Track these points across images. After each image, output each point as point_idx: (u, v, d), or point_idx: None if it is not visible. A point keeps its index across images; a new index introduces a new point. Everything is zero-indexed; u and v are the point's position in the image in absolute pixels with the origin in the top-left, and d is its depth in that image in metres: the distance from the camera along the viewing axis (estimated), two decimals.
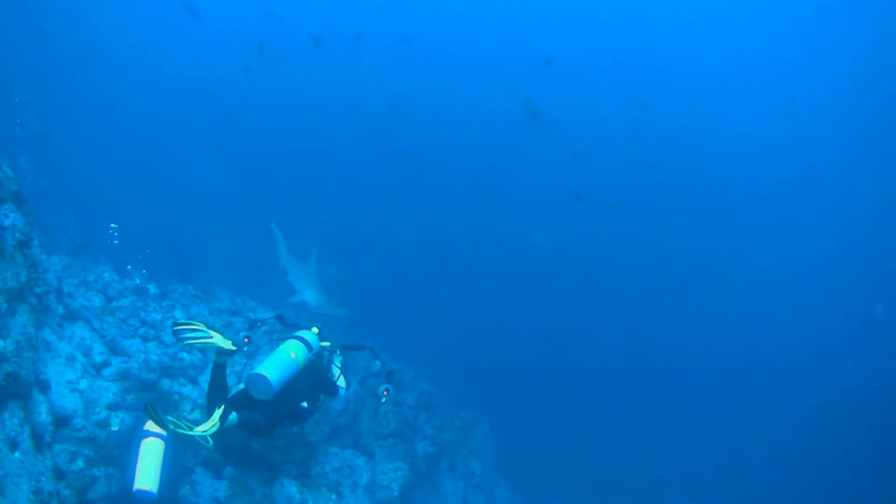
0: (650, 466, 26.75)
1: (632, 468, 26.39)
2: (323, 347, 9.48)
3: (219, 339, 8.33)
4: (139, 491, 9.35)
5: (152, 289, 14.77)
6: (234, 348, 8.30)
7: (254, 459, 11.91)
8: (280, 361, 8.59)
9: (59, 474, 9.66)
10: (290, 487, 12.07)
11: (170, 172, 28.60)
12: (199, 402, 12.16)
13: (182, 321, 8.45)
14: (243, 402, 8.75)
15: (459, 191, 38.13)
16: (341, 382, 9.69)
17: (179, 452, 10.13)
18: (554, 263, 36.22)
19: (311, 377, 9.02)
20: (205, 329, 8.42)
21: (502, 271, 34.68)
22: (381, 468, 14.15)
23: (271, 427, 9.07)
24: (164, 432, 9.66)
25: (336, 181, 35.24)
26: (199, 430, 8.35)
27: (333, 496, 12.53)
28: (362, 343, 10.26)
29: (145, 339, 13.21)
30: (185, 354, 13.04)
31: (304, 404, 8.84)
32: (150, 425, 9.73)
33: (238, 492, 11.59)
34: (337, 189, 34.49)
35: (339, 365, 9.78)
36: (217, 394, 8.54)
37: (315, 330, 9.43)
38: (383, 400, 9.61)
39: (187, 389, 12.35)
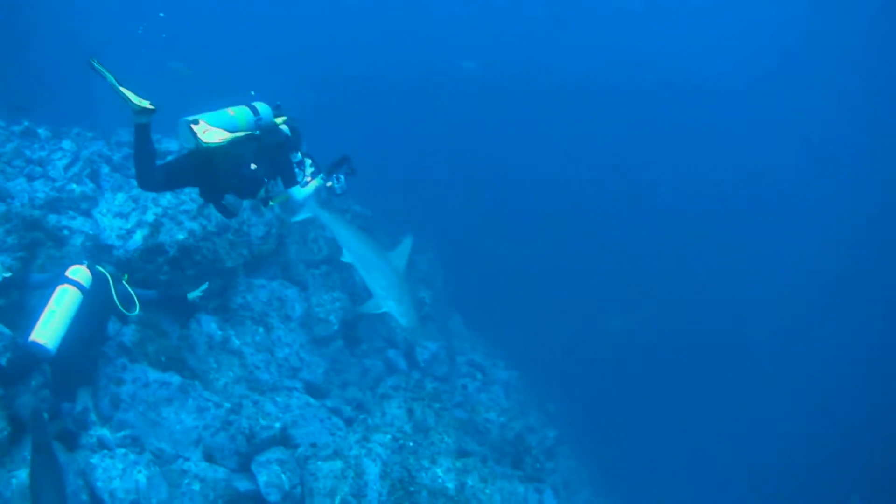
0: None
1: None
2: (283, 124, 7.75)
3: (131, 96, 6.53)
4: (33, 343, 7.65)
5: (43, 132, 12.86)
6: (152, 108, 6.51)
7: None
8: (215, 113, 6.96)
9: None
10: (210, 324, 10.51)
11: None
12: (92, 233, 10.43)
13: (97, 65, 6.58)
14: (179, 165, 7.07)
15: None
16: (303, 180, 7.92)
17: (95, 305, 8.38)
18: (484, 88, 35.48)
19: (263, 147, 7.29)
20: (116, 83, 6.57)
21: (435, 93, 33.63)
22: (317, 300, 12.52)
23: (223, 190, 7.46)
24: (84, 283, 8.21)
25: None
26: None
27: (261, 329, 10.94)
28: (343, 156, 8.37)
29: (31, 177, 11.52)
30: (74, 185, 11.25)
31: (254, 166, 7.09)
32: (73, 272, 8.25)
33: (149, 336, 9.93)
34: None
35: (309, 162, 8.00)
36: (144, 157, 6.84)
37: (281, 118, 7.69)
38: (329, 183, 7.86)
39: (77, 223, 10.62)
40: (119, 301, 8.48)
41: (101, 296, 8.42)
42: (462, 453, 10.06)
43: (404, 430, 9.51)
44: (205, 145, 6.70)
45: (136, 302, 8.64)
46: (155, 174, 7.01)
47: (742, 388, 25.57)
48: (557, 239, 30.45)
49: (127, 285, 8.74)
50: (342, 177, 7.99)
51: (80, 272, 8.27)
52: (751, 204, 39.74)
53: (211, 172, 7.19)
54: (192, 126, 6.74)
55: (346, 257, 10.98)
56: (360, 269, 10.90)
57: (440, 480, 9.27)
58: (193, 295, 9.62)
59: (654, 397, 23.21)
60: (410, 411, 9.81)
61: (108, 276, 8.56)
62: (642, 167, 39.40)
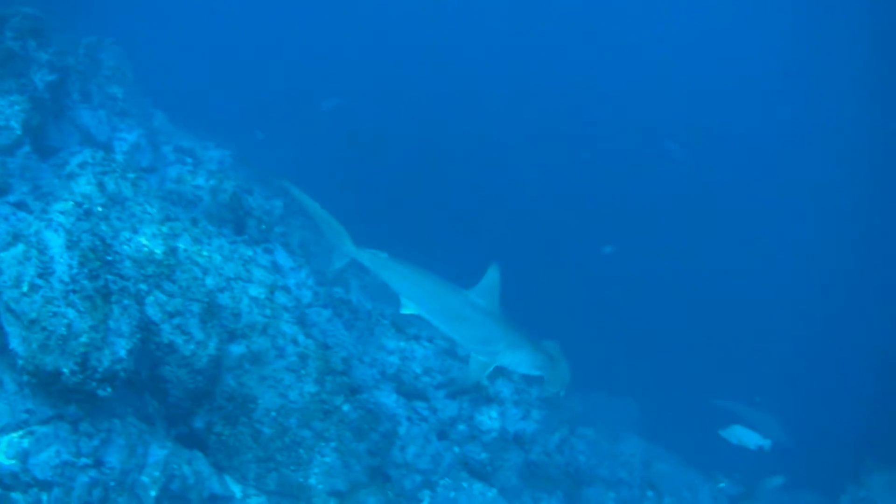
0: None
1: None
2: None
3: None
4: None
5: None
6: None
7: None
8: None
9: None
10: None
11: None
12: None
13: None
14: None
15: None
16: None
17: None
18: None
19: None
20: None
21: None
22: None
23: None
24: None
25: None
26: None
27: None
28: None
29: None
30: None
31: None
32: None
33: None
34: None
35: None
36: None
37: None
38: None
39: None
40: None
41: None
42: (170, 220, 9.67)
43: (94, 201, 8.95)
44: None
45: None
46: None
47: None
48: None
49: None
50: None
51: None
52: None
53: None
54: None
55: (409, 308, 9.00)
56: (436, 321, 8.96)
57: (146, 248, 8.91)
58: None
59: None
60: (101, 185, 9.19)
61: None
62: None
